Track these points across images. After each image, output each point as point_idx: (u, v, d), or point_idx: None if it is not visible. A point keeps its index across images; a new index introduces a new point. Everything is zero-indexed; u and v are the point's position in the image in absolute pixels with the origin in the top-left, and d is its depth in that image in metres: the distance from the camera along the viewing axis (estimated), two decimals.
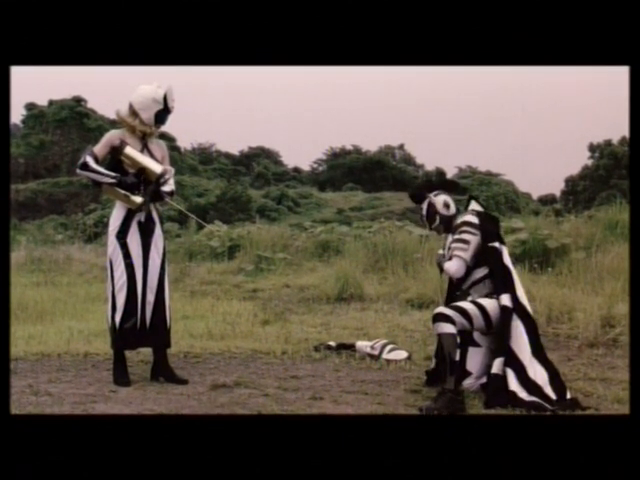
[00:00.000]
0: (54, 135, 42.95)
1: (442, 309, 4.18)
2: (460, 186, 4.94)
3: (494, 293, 4.29)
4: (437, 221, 4.58)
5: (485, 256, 4.34)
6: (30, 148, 42.30)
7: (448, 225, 4.56)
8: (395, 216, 26.37)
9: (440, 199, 4.58)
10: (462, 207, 4.69)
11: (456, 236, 4.41)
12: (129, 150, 4.59)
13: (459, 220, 4.47)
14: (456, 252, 4.37)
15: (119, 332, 4.56)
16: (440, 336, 4.11)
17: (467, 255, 4.34)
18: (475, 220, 4.41)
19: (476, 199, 4.65)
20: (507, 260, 4.37)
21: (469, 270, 4.37)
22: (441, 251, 4.65)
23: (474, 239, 4.36)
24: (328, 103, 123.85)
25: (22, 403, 4.04)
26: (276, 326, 6.86)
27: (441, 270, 4.57)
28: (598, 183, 40.96)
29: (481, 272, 4.37)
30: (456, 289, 4.51)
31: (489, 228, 4.42)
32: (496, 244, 4.36)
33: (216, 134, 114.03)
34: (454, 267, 4.36)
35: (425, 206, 4.62)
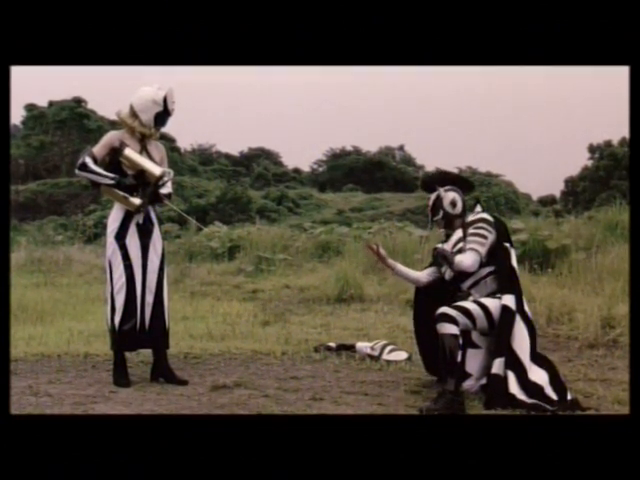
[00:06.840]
0: (54, 136, 42.88)
1: (446, 309, 4.13)
2: (474, 187, 4.88)
3: (497, 293, 4.28)
4: (440, 215, 4.58)
5: (494, 255, 4.34)
6: (30, 149, 42.25)
7: (449, 223, 4.56)
8: (395, 217, 26.39)
9: (449, 196, 4.57)
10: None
11: (472, 230, 4.38)
12: (128, 151, 4.58)
13: (473, 217, 4.47)
14: (473, 245, 4.33)
15: (118, 333, 4.56)
16: (442, 336, 4.08)
17: (484, 250, 4.33)
18: (491, 219, 4.43)
19: (479, 203, 4.66)
20: (514, 262, 4.38)
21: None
22: (440, 245, 4.59)
23: (490, 236, 4.37)
24: (328, 103, 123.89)
25: (22, 404, 4.04)
26: (276, 327, 6.86)
27: (449, 263, 4.28)
28: (598, 184, 40.87)
29: (485, 270, 4.36)
30: (455, 286, 4.48)
31: (501, 229, 4.45)
32: (507, 244, 4.38)
33: (216, 135, 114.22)
34: (470, 260, 4.29)
35: (433, 197, 4.62)
